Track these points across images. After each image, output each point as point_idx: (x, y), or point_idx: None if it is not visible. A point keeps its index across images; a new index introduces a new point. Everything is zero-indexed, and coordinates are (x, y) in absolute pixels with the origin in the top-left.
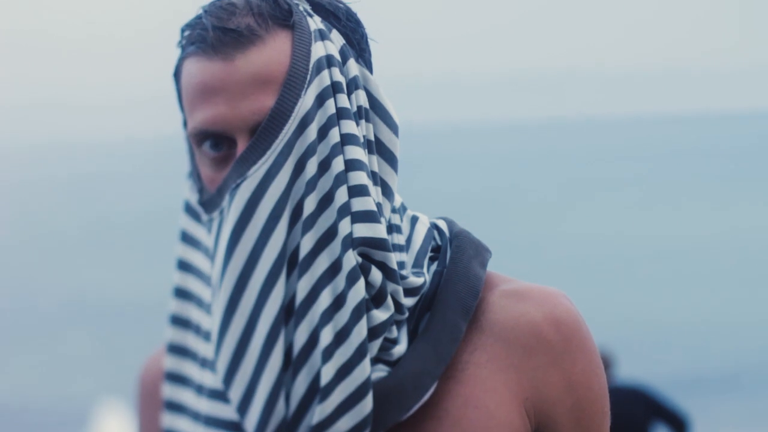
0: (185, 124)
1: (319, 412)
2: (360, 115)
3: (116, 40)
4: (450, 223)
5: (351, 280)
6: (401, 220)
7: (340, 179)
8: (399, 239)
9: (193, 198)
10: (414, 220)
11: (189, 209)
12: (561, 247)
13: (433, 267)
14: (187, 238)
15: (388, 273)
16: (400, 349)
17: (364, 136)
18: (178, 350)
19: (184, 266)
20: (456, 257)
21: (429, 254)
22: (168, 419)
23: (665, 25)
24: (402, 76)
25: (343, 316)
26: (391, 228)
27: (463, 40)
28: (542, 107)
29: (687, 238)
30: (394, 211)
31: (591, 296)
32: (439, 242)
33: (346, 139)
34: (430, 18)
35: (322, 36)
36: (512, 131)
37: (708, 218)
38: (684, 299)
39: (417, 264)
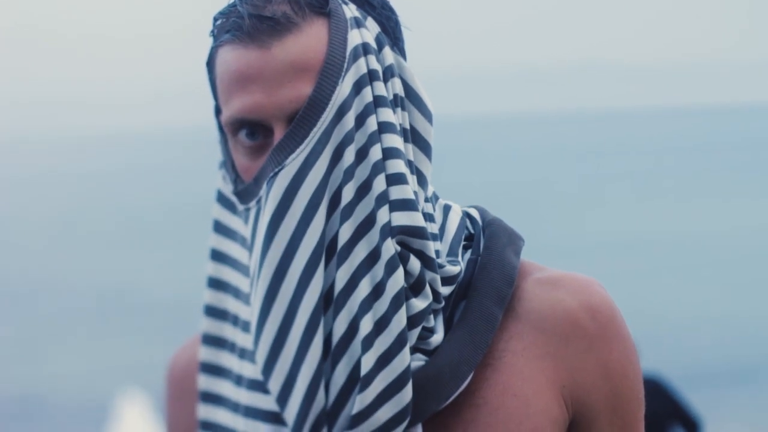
0: (217, 113)
1: (360, 401)
2: (396, 103)
3: (146, 37)
4: (482, 212)
5: (390, 269)
6: (434, 209)
7: (378, 167)
8: (433, 228)
9: (227, 188)
10: (447, 209)
11: (222, 199)
12: (579, 240)
13: (467, 255)
14: (221, 229)
15: (427, 261)
16: (437, 338)
17: (400, 125)
18: (215, 341)
19: (218, 257)
20: (490, 245)
21: (462, 242)
22: (204, 410)
23: (691, 16)
24: (420, 68)
25: (382, 304)
26: (425, 217)
27: (483, 32)
28: (562, 99)
29: (703, 230)
30: (427, 200)
31: (611, 285)
32: (472, 230)
33: (384, 128)
34: (450, 10)
35: (358, 24)
36: (532, 124)
37: (724, 211)
38: (698, 291)
39: (451, 252)
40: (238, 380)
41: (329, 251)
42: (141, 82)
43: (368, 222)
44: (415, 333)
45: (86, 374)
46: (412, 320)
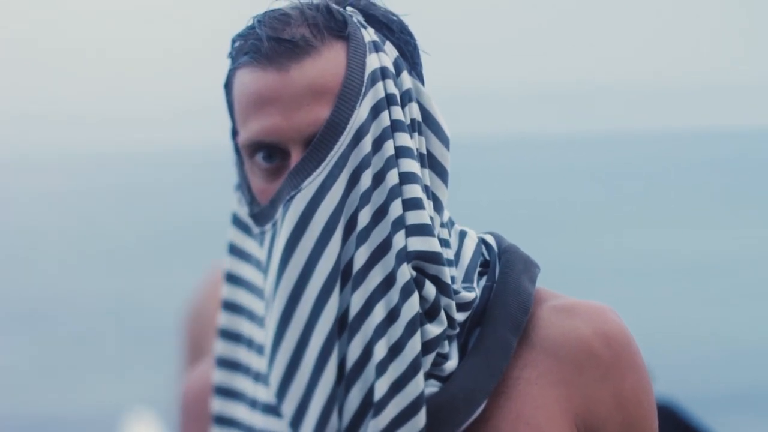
0: (234, 135)
1: (373, 426)
2: (413, 128)
3: (163, 55)
4: (498, 238)
5: (405, 294)
6: (449, 234)
7: (395, 192)
8: (448, 254)
9: (243, 211)
10: (462, 235)
11: (237, 222)
12: (593, 261)
13: (483, 282)
14: (235, 251)
15: (442, 287)
16: (451, 364)
17: (417, 150)
18: (228, 364)
19: (233, 279)
20: (505, 272)
21: (478, 269)
22: None
23: (699, 38)
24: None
25: (397, 330)
26: (441, 242)
27: (489, 51)
28: (572, 121)
29: (720, 253)
30: (442, 225)
31: (625, 310)
32: (488, 257)
33: (401, 152)
34: (454, 30)
35: (377, 48)
36: (543, 145)
37: (743, 233)
38: (715, 314)
39: (467, 279)
40: (253, 404)
41: (344, 275)
42: (155, 100)
43: (384, 247)
44: (430, 359)
45: (101, 394)
46: (427, 346)
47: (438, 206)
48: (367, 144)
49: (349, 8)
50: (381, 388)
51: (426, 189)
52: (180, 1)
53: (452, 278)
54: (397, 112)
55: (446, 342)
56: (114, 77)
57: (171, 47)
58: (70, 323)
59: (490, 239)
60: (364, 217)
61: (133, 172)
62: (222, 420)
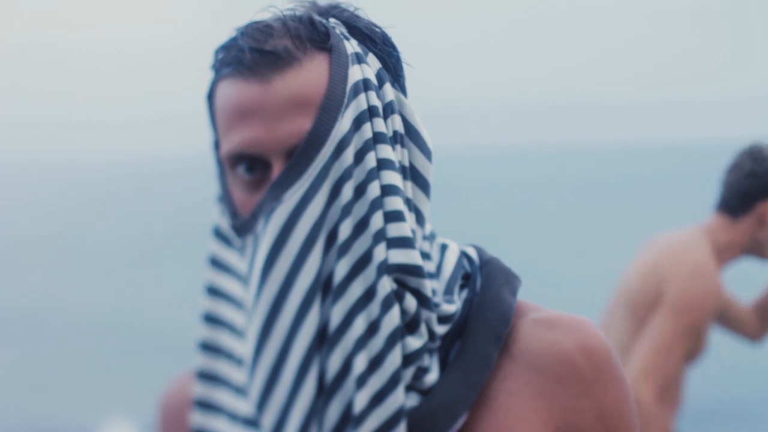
0: (216, 146)
1: None
2: (395, 140)
3: (145, 60)
4: (479, 251)
5: (386, 307)
6: (431, 247)
7: (376, 204)
8: (429, 267)
9: (225, 223)
10: (444, 248)
11: (219, 234)
12: (575, 274)
13: (464, 294)
14: (217, 264)
15: (423, 300)
16: (432, 377)
17: (399, 162)
18: (209, 377)
19: (214, 292)
20: (486, 285)
21: (459, 282)
22: None
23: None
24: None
25: (377, 343)
26: (422, 255)
27: (471, 65)
28: (557, 133)
29: None
30: (424, 238)
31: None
32: (469, 270)
33: (383, 164)
34: (435, 44)
35: (359, 59)
36: (523, 158)
37: None
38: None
39: (448, 291)
40: (233, 418)
41: (325, 288)
42: (143, 106)
43: (365, 259)
44: (410, 372)
45: (83, 404)
46: (408, 359)
47: (420, 219)
48: (348, 156)
49: (332, 20)
50: (361, 400)
51: (408, 201)
52: (173, 6)
53: (433, 291)
54: (380, 124)
55: (427, 355)
56: (103, 84)
57: (162, 53)
58: (56, 332)
59: (472, 252)
60: (345, 230)
61: (123, 180)
62: None
